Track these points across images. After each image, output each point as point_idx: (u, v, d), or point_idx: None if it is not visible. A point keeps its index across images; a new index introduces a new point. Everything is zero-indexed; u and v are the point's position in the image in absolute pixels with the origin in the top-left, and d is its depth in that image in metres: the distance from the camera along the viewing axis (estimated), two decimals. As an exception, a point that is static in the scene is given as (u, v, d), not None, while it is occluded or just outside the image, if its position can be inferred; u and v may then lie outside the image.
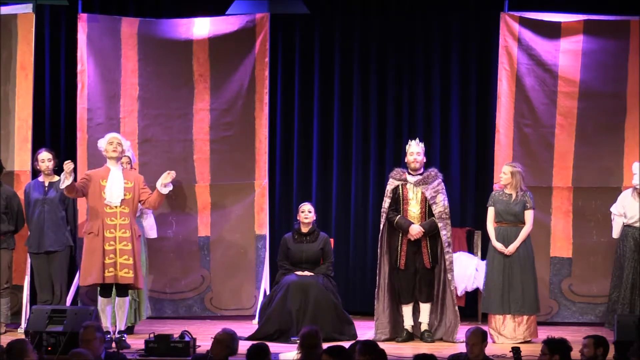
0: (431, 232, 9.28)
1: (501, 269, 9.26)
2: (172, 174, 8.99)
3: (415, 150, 9.42)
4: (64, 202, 9.79)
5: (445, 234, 9.27)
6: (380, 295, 9.38)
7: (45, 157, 9.79)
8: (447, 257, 9.26)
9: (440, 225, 9.26)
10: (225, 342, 6.98)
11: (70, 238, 9.83)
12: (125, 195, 8.94)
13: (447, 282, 9.29)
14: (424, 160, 9.49)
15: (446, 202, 9.35)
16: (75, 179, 8.98)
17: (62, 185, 8.90)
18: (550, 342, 6.69)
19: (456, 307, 9.29)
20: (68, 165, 8.82)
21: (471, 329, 7.02)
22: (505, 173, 9.35)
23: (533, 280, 9.32)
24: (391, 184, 9.43)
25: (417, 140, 9.49)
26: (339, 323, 9.35)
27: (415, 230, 9.25)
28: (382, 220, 9.39)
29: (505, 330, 9.26)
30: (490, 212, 9.40)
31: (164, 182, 8.96)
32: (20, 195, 9.93)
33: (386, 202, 9.38)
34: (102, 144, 9.10)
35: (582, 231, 10.31)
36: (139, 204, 9.17)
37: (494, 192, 9.57)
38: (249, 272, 10.54)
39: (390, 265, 9.38)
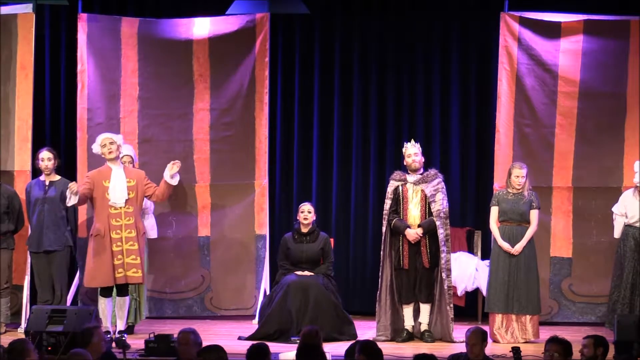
0: (430, 231, 9.27)
1: (507, 268, 9.26)
2: (178, 163, 9.01)
3: (412, 151, 9.43)
4: (64, 201, 9.77)
5: (442, 232, 9.27)
6: (382, 297, 9.38)
7: (45, 157, 9.77)
8: (442, 255, 9.26)
9: (437, 224, 9.26)
10: (189, 342, 6.91)
11: (70, 238, 9.81)
12: (129, 194, 8.96)
13: (442, 281, 9.29)
14: (423, 160, 9.49)
15: (445, 202, 9.35)
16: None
17: (69, 204, 8.95)
18: (557, 341, 6.69)
19: (448, 307, 9.25)
20: (72, 188, 8.82)
21: (471, 329, 7.02)
22: (523, 177, 9.32)
23: (536, 281, 9.33)
24: (392, 185, 9.44)
25: (413, 141, 9.50)
26: (339, 323, 9.35)
27: (412, 235, 9.26)
28: (384, 223, 9.39)
29: (509, 330, 9.26)
30: (494, 211, 9.40)
31: (171, 173, 8.98)
32: (22, 194, 9.93)
33: (387, 204, 9.38)
34: (96, 148, 9.10)
35: (582, 231, 10.31)
36: (146, 199, 9.17)
37: (497, 192, 9.57)
38: (249, 272, 10.53)
39: (392, 266, 9.37)
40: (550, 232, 10.31)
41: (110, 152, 9.00)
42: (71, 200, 8.91)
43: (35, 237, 9.73)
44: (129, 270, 8.90)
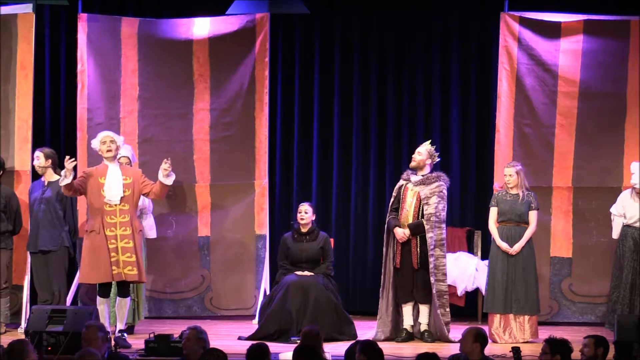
0: (418, 233, 9.25)
1: (505, 269, 9.26)
2: (168, 162, 8.94)
3: (418, 149, 9.45)
4: (61, 201, 9.75)
5: (431, 236, 9.22)
6: (384, 293, 9.39)
7: (35, 156, 9.80)
8: (431, 259, 9.22)
9: (427, 227, 9.23)
10: (195, 338, 6.92)
11: (66, 239, 9.76)
12: (124, 192, 8.94)
13: (432, 285, 9.26)
14: (426, 162, 9.44)
15: (440, 206, 9.26)
16: (75, 177, 8.98)
17: (62, 183, 8.91)
18: (552, 342, 6.69)
19: (438, 311, 9.21)
20: (69, 163, 8.80)
21: (468, 329, 7.01)
22: (511, 175, 9.33)
23: (535, 281, 9.33)
24: (398, 184, 9.49)
25: (428, 143, 9.47)
26: (339, 323, 9.35)
27: (399, 234, 9.26)
28: (388, 218, 9.43)
29: (507, 330, 9.26)
30: (493, 212, 9.40)
31: (165, 173, 8.94)
32: (22, 195, 9.93)
33: (391, 202, 9.42)
34: (95, 144, 9.10)
35: (582, 231, 10.31)
36: (144, 197, 9.16)
37: (496, 192, 9.57)
38: (249, 272, 10.54)
39: (392, 264, 9.39)
40: (550, 232, 10.31)
41: (108, 151, 8.99)
42: (64, 180, 8.87)
43: (32, 237, 9.73)
44: (125, 268, 8.88)
